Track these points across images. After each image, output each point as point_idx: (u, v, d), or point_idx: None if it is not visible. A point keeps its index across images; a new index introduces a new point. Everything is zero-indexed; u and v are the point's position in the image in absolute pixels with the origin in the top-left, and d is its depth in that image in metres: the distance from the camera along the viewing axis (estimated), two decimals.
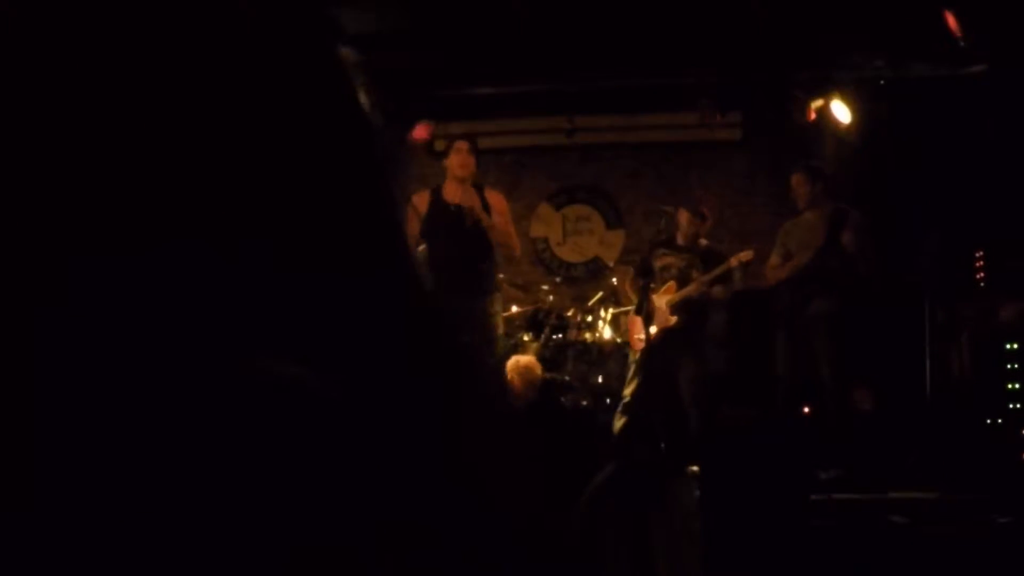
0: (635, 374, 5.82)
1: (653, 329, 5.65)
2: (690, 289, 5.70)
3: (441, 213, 5.05)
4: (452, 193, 5.09)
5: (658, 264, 5.85)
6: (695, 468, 4.80)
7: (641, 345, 5.76)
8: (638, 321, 5.85)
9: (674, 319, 5.68)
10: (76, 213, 0.49)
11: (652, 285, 5.74)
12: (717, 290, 5.75)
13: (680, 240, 5.90)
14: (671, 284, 5.78)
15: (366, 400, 0.53)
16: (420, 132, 7.36)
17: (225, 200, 0.53)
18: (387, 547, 0.53)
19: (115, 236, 0.49)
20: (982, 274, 6.14)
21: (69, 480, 0.46)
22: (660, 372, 5.54)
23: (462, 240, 4.93)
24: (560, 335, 6.76)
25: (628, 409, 5.72)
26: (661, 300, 5.73)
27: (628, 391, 5.82)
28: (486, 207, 5.06)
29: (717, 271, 5.72)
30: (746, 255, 5.72)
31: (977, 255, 6.17)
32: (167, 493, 0.46)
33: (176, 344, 0.49)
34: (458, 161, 5.07)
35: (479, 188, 5.13)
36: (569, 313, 6.87)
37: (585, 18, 6.16)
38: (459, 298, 4.88)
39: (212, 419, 0.48)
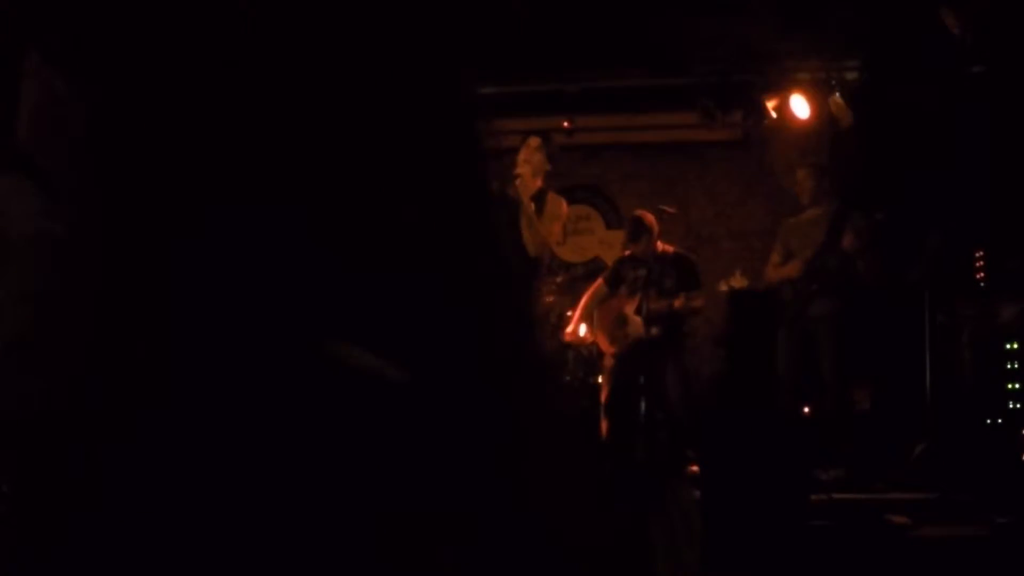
0: (606, 382, 5.85)
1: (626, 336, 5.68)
2: (662, 305, 5.64)
3: (498, 205, 4.95)
4: (514, 189, 4.97)
5: (630, 274, 5.84)
6: (695, 468, 4.80)
7: (612, 350, 5.78)
8: (608, 328, 5.86)
9: (640, 327, 5.64)
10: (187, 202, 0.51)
11: (627, 292, 5.76)
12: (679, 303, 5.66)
13: (654, 247, 5.84)
14: (644, 294, 5.74)
15: (434, 391, 0.55)
16: None
17: (324, 201, 0.54)
18: (427, 532, 0.55)
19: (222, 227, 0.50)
20: (982, 274, 6.13)
21: (159, 441, 0.48)
22: (632, 379, 5.53)
23: (513, 241, 4.84)
24: (560, 335, 6.75)
25: (607, 413, 5.73)
26: (630, 308, 5.72)
27: (603, 396, 5.84)
28: (542, 207, 4.95)
29: (696, 297, 5.68)
30: (737, 281, 5.69)
31: (977, 255, 6.16)
32: (248, 461, 0.48)
33: (265, 328, 0.50)
34: (524, 156, 4.99)
35: (543, 189, 5.01)
36: (569, 313, 6.86)
37: (585, 18, 6.16)
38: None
39: (295, 397, 0.50)
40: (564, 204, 5.08)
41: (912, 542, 4.04)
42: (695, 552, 3.73)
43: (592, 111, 7.70)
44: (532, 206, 4.86)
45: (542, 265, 5.07)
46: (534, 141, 5.04)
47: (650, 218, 5.83)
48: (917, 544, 4.01)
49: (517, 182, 4.87)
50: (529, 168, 4.94)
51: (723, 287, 5.71)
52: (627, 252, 5.97)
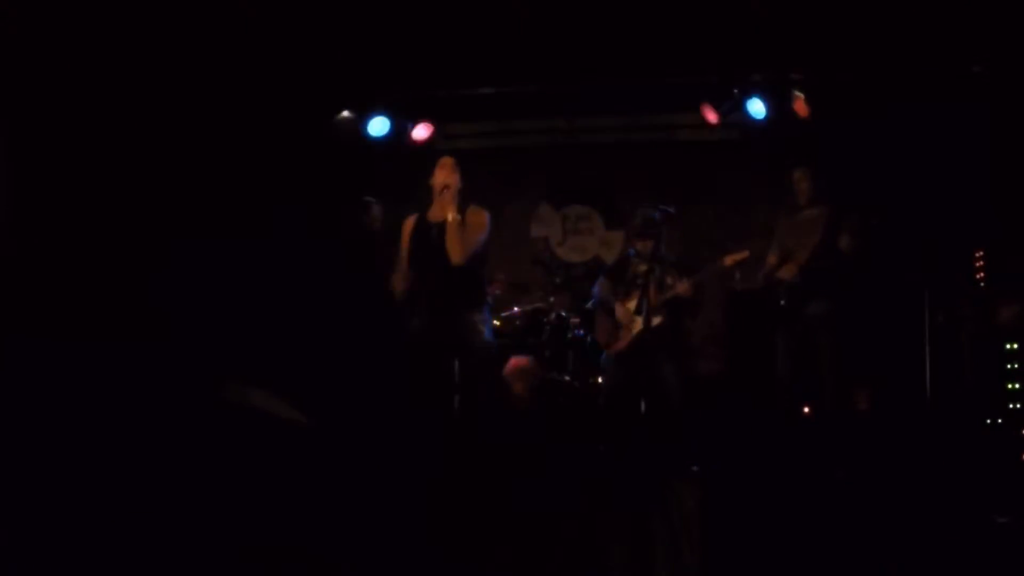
0: (606, 381, 5.86)
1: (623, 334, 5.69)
2: (671, 293, 5.65)
3: (423, 235, 5.05)
4: (435, 212, 5.07)
5: (631, 271, 5.84)
6: (695, 468, 4.80)
7: (612, 349, 5.78)
8: (609, 327, 5.86)
9: (640, 323, 5.64)
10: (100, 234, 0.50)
11: (623, 291, 5.76)
12: (683, 287, 5.67)
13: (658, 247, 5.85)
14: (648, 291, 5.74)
15: (338, 428, 0.54)
16: (421, 132, 7.36)
17: (217, 232, 0.53)
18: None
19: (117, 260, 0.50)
20: (982, 274, 6.13)
21: (54, 490, 0.47)
22: (632, 377, 5.53)
23: (443, 260, 4.92)
24: (560, 335, 6.76)
25: (607, 413, 5.73)
26: (629, 306, 5.72)
27: (603, 396, 5.85)
28: (464, 220, 5.00)
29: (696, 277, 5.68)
30: (741, 255, 5.68)
31: (977, 255, 6.17)
32: (136, 505, 0.47)
33: (154, 369, 0.49)
34: (441, 177, 5.07)
35: (465, 204, 5.07)
36: (564, 312, 6.87)
37: (585, 18, 6.16)
38: (444, 315, 4.91)
39: (184, 441, 0.49)
40: (485, 215, 5.11)
41: (912, 542, 4.04)
42: (696, 553, 3.73)
43: (592, 111, 7.70)
44: (459, 217, 4.92)
45: (481, 264, 5.11)
46: (447, 161, 5.10)
47: (662, 218, 5.82)
48: (917, 544, 4.01)
49: (445, 193, 4.94)
50: (453, 185, 5.01)
51: (729, 262, 5.67)
52: (633, 247, 5.95)
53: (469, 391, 4.83)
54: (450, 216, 4.92)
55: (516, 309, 7.02)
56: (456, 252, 4.90)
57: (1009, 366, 5.69)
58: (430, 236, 5.02)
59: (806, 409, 5.83)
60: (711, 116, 6.99)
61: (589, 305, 6.56)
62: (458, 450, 4.50)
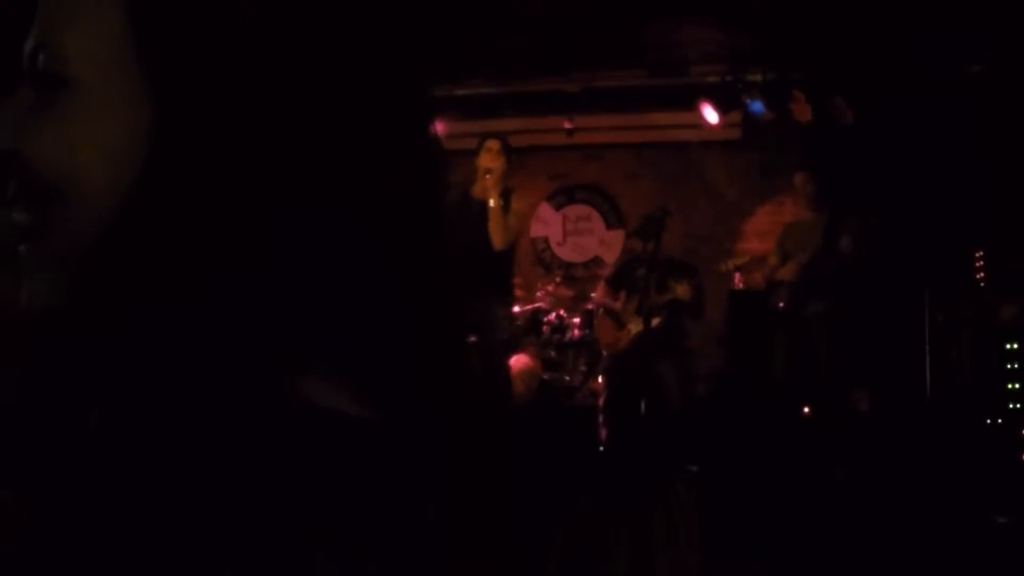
0: (606, 382, 5.85)
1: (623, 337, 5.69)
2: (663, 298, 5.67)
3: (464, 209, 5.01)
4: (479, 190, 5.06)
5: (632, 274, 5.85)
6: (695, 468, 4.80)
7: (611, 351, 5.78)
8: (611, 330, 5.86)
9: (640, 324, 5.65)
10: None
11: (627, 294, 5.76)
12: (682, 289, 5.70)
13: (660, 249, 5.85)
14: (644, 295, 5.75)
15: (402, 424, 0.53)
16: None
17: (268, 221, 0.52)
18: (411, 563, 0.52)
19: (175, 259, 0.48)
20: (982, 274, 6.13)
21: (95, 492, 0.46)
22: (632, 377, 5.53)
23: (479, 241, 4.91)
24: (560, 335, 6.76)
25: (607, 413, 5.73)
26: (631, 308, 5.72)
27: (603, 396, 5.84)
28: (509, 206, 5.03)
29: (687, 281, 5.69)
30: (740, 259, 5.72)
31: (977, 255, 6.17)
32: (192, 513, 0.46)
33: (215, 365, 0.48)
34: (486, 160, 5.04)
35: (508, 190, 5.07)
36: (564, 312, 6.87)
37: (585, 18, 6.16)
38: (472, 298, 4.88)
39: (249, 443, 0.48)
40: (526, 206, 5.20)
41: (912, 542, 4.04)
42: (696, 553, 3.74)
43: (592, 111, 7.70)
44: (500, 202, 4.95)
45: (513, 257, 5.16)
46: (494, 144, 5.09)
47: (664, 222, 5.82)
48: (917, 544, 4.01)
49: (487, 178, 4.95)
50: (496, 170, 5.01)
51: (723, 268, 5.71)
52: (633, 249, 5.97)
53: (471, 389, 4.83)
54: (492, 201, 4.91)
55: (516, 309, 7.03)
56: (498, 236, 4.91)
57: (1009, 366, 5.69)
58: (471, 211, 4.98)
59: (806, 409, 5.83)
60: (711, 117, 6.99)
61: (590, 306, 6.57)
62: (456, 449, 4.49)
